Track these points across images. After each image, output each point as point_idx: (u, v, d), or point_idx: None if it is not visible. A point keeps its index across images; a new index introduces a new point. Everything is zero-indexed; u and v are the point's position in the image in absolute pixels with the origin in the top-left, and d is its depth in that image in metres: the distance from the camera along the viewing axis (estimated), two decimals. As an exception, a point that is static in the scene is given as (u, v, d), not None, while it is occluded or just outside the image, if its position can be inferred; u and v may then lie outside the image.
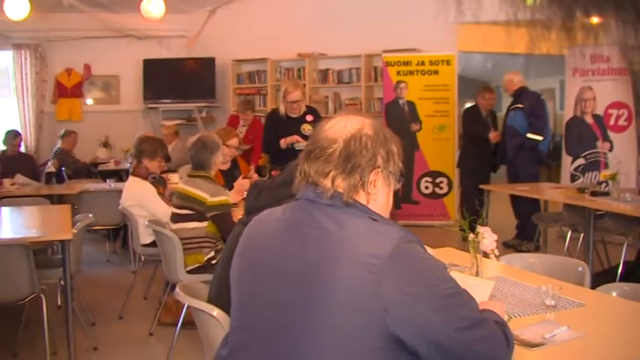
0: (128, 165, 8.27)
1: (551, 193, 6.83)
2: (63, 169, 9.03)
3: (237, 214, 4.68)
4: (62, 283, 4.57)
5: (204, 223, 4.75)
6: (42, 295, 4.39)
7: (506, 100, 8.88)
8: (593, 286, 3.10)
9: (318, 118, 6.22)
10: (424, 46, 9.36)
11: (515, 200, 7.81)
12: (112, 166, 9.83)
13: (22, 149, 9.66)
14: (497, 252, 3.07)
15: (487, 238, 3.00)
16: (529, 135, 7.55)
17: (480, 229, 3.01)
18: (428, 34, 9.01)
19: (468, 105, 9.47)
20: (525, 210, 7.56)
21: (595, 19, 1.39)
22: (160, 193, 5.74)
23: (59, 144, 9.35)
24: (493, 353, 1.84)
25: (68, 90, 11.48)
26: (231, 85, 11.27)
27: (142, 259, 5.77)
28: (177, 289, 2.90)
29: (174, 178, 7.24)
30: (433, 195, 9.34)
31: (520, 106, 7.66)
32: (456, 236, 3.31)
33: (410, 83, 9.27)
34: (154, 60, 11.36)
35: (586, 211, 5.80)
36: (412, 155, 9.12)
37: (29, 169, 8.44)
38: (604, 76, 8.00)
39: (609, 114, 8.02)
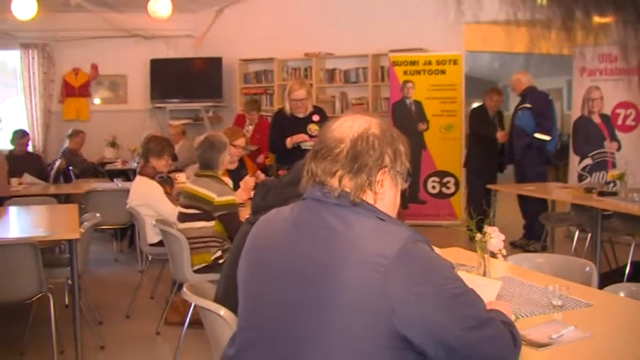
0: (135, 164, 8.28)
1: (559, 193, 6.82)
2: (70, 168, 9.05)
3: (245, 213, 4.68)
4: (70, 282, 4.59)
5: (212, 223, 4.75)
6: (49, 294, 4.40)
7: (514, 100, 8.86)
8: (601, 287, 3.09)
9: (324, 118, 6.20)
10: (431, 46, 9.35)
11: (523, 200, 7.80)
12: (119, 165, 9.83)
13: (30, 149, 9.68)
14: (504, 252, 3.06)
15: (494, 237, 2.99)
16: (537, 135, 7.53)
17: (487, 228, 3.00)
18: (435, 34, 8.99)
19: (475, 105, 9.45)
20: (533, 210, 7.55)
21: (602, 19, 1.39)
22: (167, 193, 5.74)
23: (67, 143, 9.37)
24: (500, 353, 1.83)
25: (75, 89, 11.51)
26: (238, 84, 11.27)
27: (149, 258, 5.78)
28: (184, 289, 2.90)
29: (181, 177, 7.26)
30: (440, 195, 9.33)
31: (528, 105, 7.64)
32: (462, 236, 3.32)
33: (417, 83, 9.26)
34: (161, 60, 11.37)
35: (593, 211, 5.78)
36: (419, 155, 9.11)
37: (37, 169, 8.45)
38: (611, 75, 7.97)
39: (617, 114, 8.00)
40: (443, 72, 9.22)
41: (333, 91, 10.57)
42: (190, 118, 11.35)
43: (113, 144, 11.02)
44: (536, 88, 7.89)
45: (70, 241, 4.43)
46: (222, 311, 2.66)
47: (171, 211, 5.34)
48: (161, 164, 5.85)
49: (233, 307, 2.30)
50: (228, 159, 5.12)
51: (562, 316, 2.56)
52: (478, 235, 3.02)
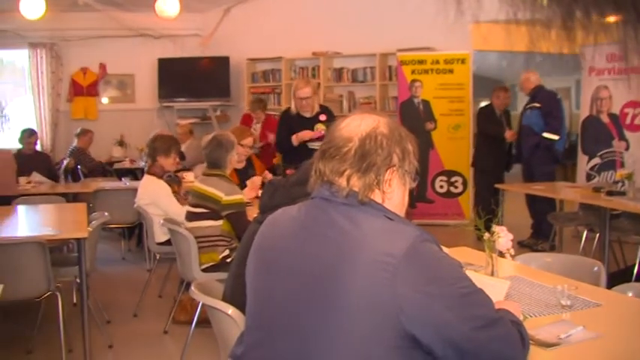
0: (143, 163, 8.30)
1: (567, 193, 6.80)
2: (79, 167, 9.07)
3: (252, 212, 4.68)
4: (78, 281, 4.60)
5: (219, 222, 4.75)
6: (57, 293, 4.42)
7: (522, 99, 8.83)
8: (609, 286, 3.08)
9: (331, 118, 6.18)
10: (439, 45, 9.32)
11: (531, 199, 7.78)
12: (127, 164, 9.86)
13: (38, 148, 9.70)
14: (512, 251, 3.06)
15: (503, 237, 2.98)
16: (545, 134, 7.51)
17: (495, 228, 3.00)
18: (443, 33, 8.87)
19: (483, 104, 9.43)
20: (541, 209, 7.53)
21: (602, 19, 1.39)
22: (174, 192, 5.75)
23: (75, 142, 9.40)
24: (508, 353, 1.83)
25: (84, 89, 11.54)
26: (245, 83, 11.28)
27: (157, 257, 5.79)
28: (192, 288, 2.90)
29: (189, 176, 7.27)
30: (448, 194, 9.32)
31: (536, 105, 7.62)
32: (470, 235, 3.32)
33: (425, 82, 9.25)
34: (169, 59, 11.40)
35: (602, 210, 5.77)
36: (427, 154, 9.10)
37: (45, 168, 8.47)
38: (620, 75, 7.94)
39: (625, 113, 7.97)
40: (451, 71, 9.21)
41: (341, 90, 10.57)
42: (198, 118, 11.38)
43: (121, 143, 11.06)
44: (544, 87, 7.87)
45: (78, 239, 4.44)
46: (230, 310, 2.66)
47: (178, 211, 5.35)
48: (168, 163, 5.86)
49: (241, 306, 2.30)
50: (236, 158, 5.13)
51: (570, 316, 2.56)
52: (486, 235, 3.01)
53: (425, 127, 9.18)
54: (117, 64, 11.52)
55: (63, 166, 8.88)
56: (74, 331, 4.61)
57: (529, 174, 7.88)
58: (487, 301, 1.84)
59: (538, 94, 7.71)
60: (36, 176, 7.92)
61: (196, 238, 4.73)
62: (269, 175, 6.24)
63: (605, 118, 8.14)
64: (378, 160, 1.85)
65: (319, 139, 6.14)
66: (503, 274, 3.07)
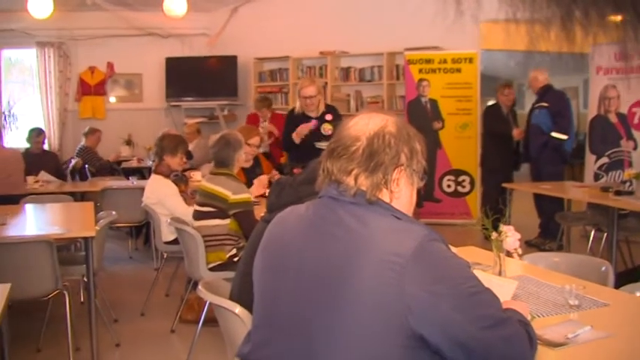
0: (150, 162, 8.31)
1: (575, 192, 6.78)
2: (86, 166, 9.09)
3: (260, 211, 4.68)
4: (85, 279, 4.62)
5: (227, 221, 4.75)
6: (65, 292, 4.43)
7: (530, 98, 8.80)
8: (617, 286, 3.07)
9: (337, 117, 6.17)
10: (446, 44, 9.29)
11: (539, 199, 7.76)
12: (134, 163, 9.88)
13: (46, 147, 9.72)
14: (520, 251, 3.05)
15: (510, 236, 2.98)
16: (553, 134, 7.49)
17: (503, 227, 2.99)
18: (450, 32, 8.82)
19: (490, 103, 9.41)
20: (549, 209, 7.51)
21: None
22: (181, 191, 5.76)
23: (83, 142, 9.43)
24: (516, 352, 1.82)
25: (91, 88, 11.57)
26: (253, 83, 11.28)
27: (164, 256, 5.80)
28: (199, 286, 2.90)
29: (196, 175, 7.28)
30: (455, 193, 9.31)
31: (545, 104, 7.60)
32: (478, 235, 3.31)
33: (432, 81, 9.24)
34: (177, 58, 11.42)
35: (610, 210, 5.75)
36: (434, 153, 9.08)
37: (53, 167, 8.48)
38: (627, 74, 7.91)
39: (633, 112, 7.94)
40: (458, 70, 9.20)
41: (348, 90, 10.56)
42: (205, 117, 11.39)
43: (129, 142, 11.06)
44: (553, 86, 7.84)
45: (85, 238, 4.45)
46: (238, 309, 2.66)
47: (184, 211, 5.35)
48: (175, 162, 5.86)
49: (248, 305, 2.30)
50: (244, 157, 5.13)
51: (578, 316, 2.55)
52: (494, 234, 3.01)
53: (432, 127, 9.16)
54: (125, 64, 11.54)
55: (71, 165, 8.91)
56: (82, 329, 4.61)
57: (537, 173, 7.86)
58: (495, 301, 1.83)
59: (546, 93, 7.69)
60: (44, 175, 7.93)
61: (204, 237, 4.74)
62: (277, 175, 6.24)
63: (613, 118, 8.11)
64: (386, 160, 1.85)
65: (319, 131, 6.14)
66: (511, 274, 3.06)
